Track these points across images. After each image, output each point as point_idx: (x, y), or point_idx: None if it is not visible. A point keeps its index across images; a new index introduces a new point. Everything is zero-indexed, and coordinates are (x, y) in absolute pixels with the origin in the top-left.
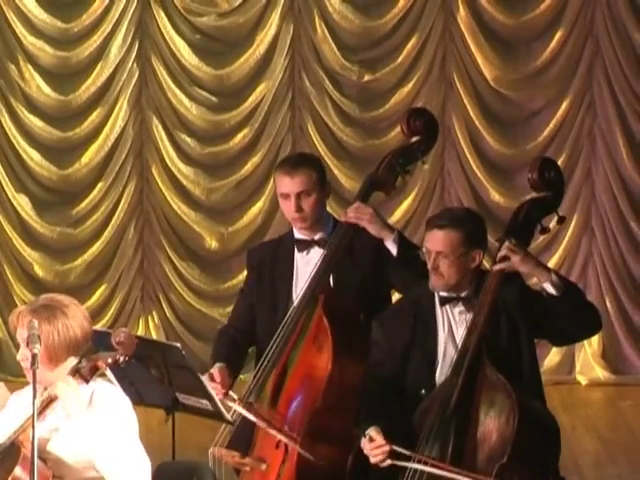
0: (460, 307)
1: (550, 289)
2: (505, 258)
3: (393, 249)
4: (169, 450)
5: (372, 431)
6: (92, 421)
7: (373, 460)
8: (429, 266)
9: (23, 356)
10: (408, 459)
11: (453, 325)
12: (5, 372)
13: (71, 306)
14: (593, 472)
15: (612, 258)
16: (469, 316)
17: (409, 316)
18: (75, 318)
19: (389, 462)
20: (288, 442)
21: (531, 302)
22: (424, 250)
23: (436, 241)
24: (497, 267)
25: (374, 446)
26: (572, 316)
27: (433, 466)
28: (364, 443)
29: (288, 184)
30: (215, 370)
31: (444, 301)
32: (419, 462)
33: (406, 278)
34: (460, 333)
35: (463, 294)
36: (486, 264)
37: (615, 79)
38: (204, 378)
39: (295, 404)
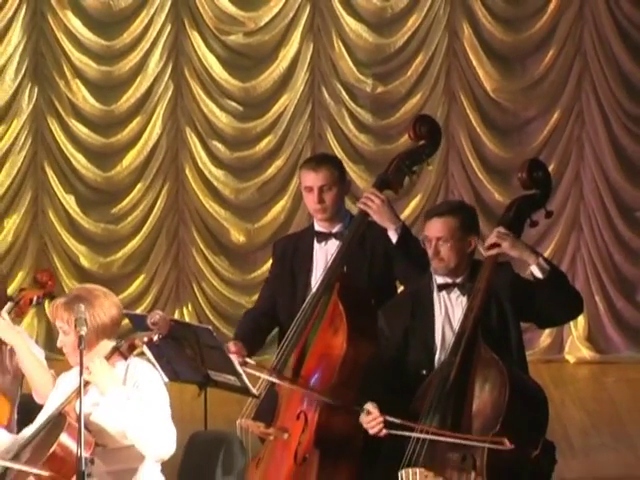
0: (456, 292)
1: (537, 272)
2: (496, 245)
3: (393, 238)
4: (201, 421)
5: (369, 405)
6: (125, 392)
7: (371, 432)
8: (430, 253)
9: (62, 343)
10: (402, 428)
11: (450, 309)
12: (55, 352)
13: (99, 296)
14: (580, 440)
15: (598, 251)
16: (464, 300)
17: (408, 304)
18: (102, 307)
19: (386, 432)
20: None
21: (520, 288)
22: (424, 239)
23: (436, 228)
24: (488, 253)
25: (370, 419)
26: (556, 299)
27: (431, 433)
28: (362, 417)
29: (312, 178)
30: (230, 343)
31: (441, 288)
32: (419, 431)
33: (405, 269)
34: (457, 316)
35: (458, 280)
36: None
37: (601, 91)
38: (233, 357)
39: (314, 380)
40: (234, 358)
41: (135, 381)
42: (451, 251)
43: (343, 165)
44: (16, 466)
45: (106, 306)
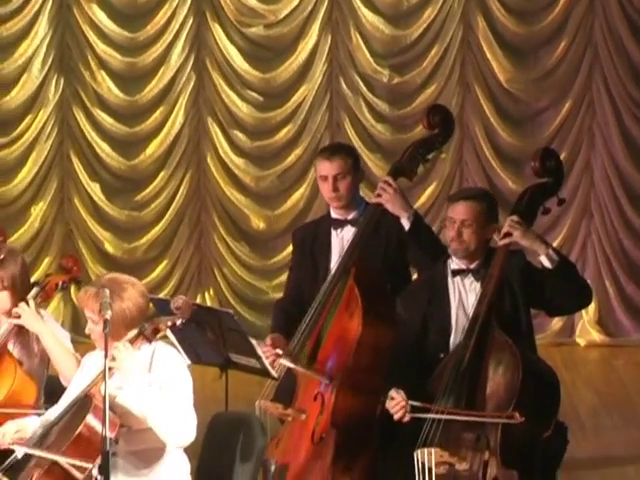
0: (470, 278)
1: (546, 262)
2: (508, 234)
3: (406, 226)
4: (222, 402)
5: (392, 392)
6: (150, 378)
7: (395, 417)
8: (452, 234)
9: (90, 330)
10: (425, 411)
11: (463, 294)
12: (81, 335)
13: (128, 288)
14: (590, 421)
15: (608, 237)
16: (477, 286)
17: (425, 291)
18: (130, 299)
19: (409, 417)
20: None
21: (530, 276)
22: (447, 221)
23: (461, 211)
24: (502, 242)
25: (394, 404)
26: (564, 289)
27: (446, 413)
28: (387, 403)
29: (327, 167)
30: (268, 338)
31: (455, 273)
32: (435, 412)
33: (417, 256)
34: (470, 301)
35: (472, 266)
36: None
37: (611, 82)
38: (253, 340)
39: (330, 362)
40: (254, 341)
41: (160, 367)
42: (473, 235)
43: (357, 153)
44: (50, 456)
45: (134, 298)
